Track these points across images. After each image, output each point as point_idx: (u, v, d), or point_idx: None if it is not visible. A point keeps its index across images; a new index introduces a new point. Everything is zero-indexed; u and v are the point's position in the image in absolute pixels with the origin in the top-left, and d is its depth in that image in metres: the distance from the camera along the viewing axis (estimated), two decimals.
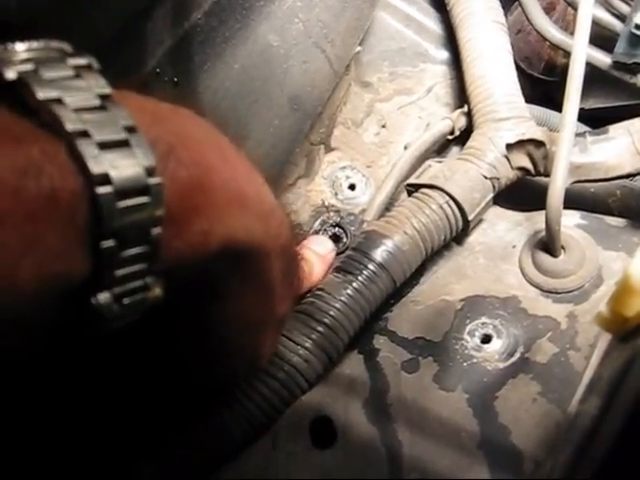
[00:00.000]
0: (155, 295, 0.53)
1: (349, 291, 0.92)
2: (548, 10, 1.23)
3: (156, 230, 0.50)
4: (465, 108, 1.15)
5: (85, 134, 0.45)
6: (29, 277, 0.43)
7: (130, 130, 0.48)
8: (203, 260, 0.56)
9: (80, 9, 0.76)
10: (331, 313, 0.90)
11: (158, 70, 0.89)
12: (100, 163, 0.45)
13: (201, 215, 0.54)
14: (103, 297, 0.49)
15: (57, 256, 0.44)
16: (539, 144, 1.01)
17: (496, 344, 0.88)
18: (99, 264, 0.47)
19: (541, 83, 1.35)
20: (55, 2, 0.73)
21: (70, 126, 0.45)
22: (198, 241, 0.54)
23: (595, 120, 1.14)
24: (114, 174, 0.46)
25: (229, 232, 0.57)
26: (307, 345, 0.89)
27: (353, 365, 0.93)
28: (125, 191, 0.47)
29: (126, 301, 0.51)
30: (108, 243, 0.47)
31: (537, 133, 1.02)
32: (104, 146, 0.46)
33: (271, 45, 1.00)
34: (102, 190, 0.45)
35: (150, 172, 0.48)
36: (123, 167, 0.47)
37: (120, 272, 0.49)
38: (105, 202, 0.46)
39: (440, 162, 1.05)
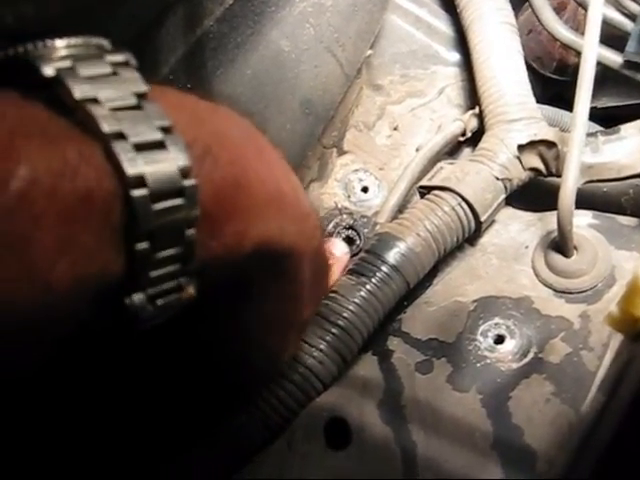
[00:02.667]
0: (189, 295, 0.53)
1: (363, 293, 0.92)
2: (559, 10, 1.23)
3: (190, 231, 0.50)
4: (476, 109, 1.16)
5: (121, 136, 0.46)
6: (64, 278, 0.43)
7: (166, 130, 0.49)
8: (237, 261, 0.56)
9: (94, 17, 0.78)
10: (345, 315, 0.91)
11: (171, 77, 0.90)
12: (135, 165, 0.46)
13: (237, 216, 0.55)
14: (137, 298, 0.49)
15: (92, 257, 0.45)
16: (551, 145, 1.02)
17: (509, 344, 0.89)
18: (133, 265, 0.48)
19: (553, 83, 1.35)
20: (69, 11, 0.74)
21: (106, 127, 0.45)
22: (233, 242, 0.55)
23: (608, 119, 1.14)
24: (149, 176, 0.46)
25: (264, 233, 0.58)
26: (321, 347, 0.90)
27: (367, 366, 0.94)
28: (160, 193, 0.47)
29: (160, 302, 0.51)
30: (143, 245, 0.47)
31: (548, 134, 1.02)
32: (140, 147, 0.47)
33: (282, 50, 1.01)
34: (137, 193, 0.46)
35: (185, 173, 0.49)
36: (158, 169, 0.47)
37: (154, 273, 0.50)
38: (140, 204, 0.46)
39: (452, 164, 1.05)
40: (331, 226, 1.13)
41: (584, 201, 1.01)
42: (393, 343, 0.96)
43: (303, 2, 1.02)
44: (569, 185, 0.92)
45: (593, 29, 0.99)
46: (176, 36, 0.90)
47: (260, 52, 0.98)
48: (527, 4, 1.24)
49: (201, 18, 0.92)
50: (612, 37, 1.13)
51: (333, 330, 0.91)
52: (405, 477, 0.81)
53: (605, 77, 1.16)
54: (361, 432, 0.86)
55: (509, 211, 1.07)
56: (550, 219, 1.01)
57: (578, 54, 1.20)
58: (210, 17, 0.92)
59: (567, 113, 1.18)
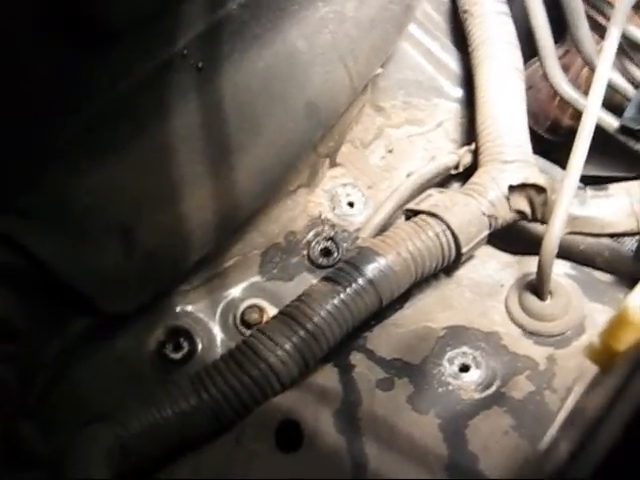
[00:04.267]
0: None
1: (335, 301, 0.92)
2: (563, 70, 1.26)
3: None
4: (472, 146, 1.17)
5: None
6: None
7: None
8: None
9: None
10: (314, 319, 0.90)
11: (185, 52, 0.90)
12: None
13: None
14: None
15: None
16: (541, 190, 1.03)
17: (474, 374, 0.89)
18: None
19: (542, 141, 1.38)
20: None
21: None
22: None
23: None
24: None
25: None
26: (286, 347, 0.89)
27: (327, 377, 0.93)
28: None
29: None
30: None
31: (540, 179, 1.04)
32: None
33: (298, 50, 1.01)
34: None
35: None
36: None
37: None
38: None
39: (442, 192, 1.06)
40: (311, 234, 1.12)
41: (560, 254, 1.02)
42: (356, 358, 0.95)
43: (326, 7, 1.03)
44: (555, 230, 0.93)
45: (598, 87, 1.00)
46: (198, 13, 0.90)
47: (276, 47, 0.99)
48: (534, 59, 1.27)
49: (225, 0, 0.92)
50: (610, 103, 1.15)
51: (300, 332, 0.90)
52: None
53: (593, 146, 1.19)
54: (313, 438, 0.85)
55: (489, 250, 1.08)
56: (528, 263, 1.02)
57: (574, 116, 1.23)
58: (234, 1, 0.93)
59: (556, 166, 1.20)
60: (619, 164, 1.23)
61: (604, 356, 0.62)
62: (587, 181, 1.21)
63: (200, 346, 1.03)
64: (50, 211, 0.87)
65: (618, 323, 0.59)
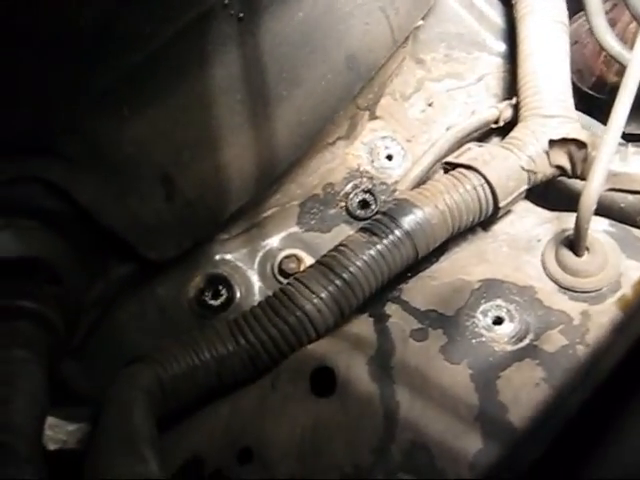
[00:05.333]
0: None
1: (372, 252, 0.93)
2: (609, 25, 1.23)
3: None
4: (513, 100, 1.16)
5: None
6: None
7: None
8: None
9: None
10: (350, 269, 0.91)
11: (226, 1, 0.90)
12: None
13: None
14: None
15: None
16: (581, 145, 1.02)
17: (507, 327, 0.89)
18: None
19: (587, 98, 1.35)
20: None
21: None
22: None
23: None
24: None
25: None
26: (322, 295, 0.90)
27: (362, 326, 0.94)
28: None
29: None
30: None
31: (581, 134, 1.03)
32: None
33: (337, 0, 1.00)
34: None
35: None
36: None
37: None
38: None
39: (481, 146, 1.05)
40: (350, 186, 1.13)
41: (600, 211, 1.01)
42: (391, 308, 0.96)
43: None
44: (594, 185, 0.92)
45: None
46: None
47: None
48: (580, 14, 1.24)
49: None
50: None
51: (337, 281, 0.91)
52: (384, 433, 0.81)
53: (636, 106, 1.16)
54: (346, 384, 0.87)
55: (527, 205, 1.07)
56: (566, 219, 1.02)
57: (619, 73, 1.21)
58: None
59: (600, 124, 1.18)
60: None
61: (636, 306, 0.62)
62: (630, 139, 1.20)
63: (238, 294, 1.05)
64: (93, 158, 0.89)
65: None
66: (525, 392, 0.81)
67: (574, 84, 1.33)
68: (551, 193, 1.11)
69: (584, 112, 1.27)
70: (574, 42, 1.35)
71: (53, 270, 0.86)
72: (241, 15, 0.92)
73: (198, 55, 0.91)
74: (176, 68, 0.90)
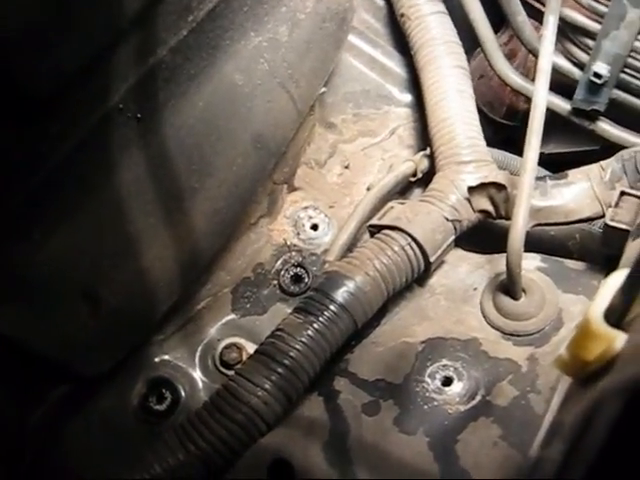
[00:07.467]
0: None
1: (310, 332, 0.91)
2: (509, 57, 1.25)
3: None
4: (427, 150, 1.17)
5: None
6: None
7: None
8: None
9: (46, 43, 0.76)
10: (291, 354, 0.89)
11: (121, 106, 0.88)
12: None
13: None
14: None
15: None
16: (500, 187, 1.03)
17: (457, 387, 0.88)
18: None
19: (503, 127, 1.37)
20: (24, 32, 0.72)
21: None
22: None
23: (555, 164, 1.16)
24: None
25: None
26: (267, 387, 0.88)
27: (313, 407, 0.92)
28: None
29: None
30: None
31: (498, 176, 1.03)
32: None
33: (236, 84, 1.00)
34: None
35: None
36: None
37: None
38: None
39: (402, 203, 1.05)
40: (279, 263, 1.11)
41: (532, 244, 1.01)
42: (340, 384, 0.95)
43: (258, 37, 1.01)
44: (519, 227, 0.93)
45: (543, 76, 1.00)
46: (128, 64, 0.88)
47: (213, 85, 0.97)
48: (479, 49, 1.26)
49: (155, 47, 0.90)
50: (561, 85, 1.15)
51: (279, 370, 0.89)
52: None
53: (553, 123, 1.18)
54: (305, 474, 0.84)
55: (458, 252, 1.07)
56: (499, 261, 1.02)
57: (528, 100, 1.22)
58: (164, 47, 0.91)
59: (515, 157, 1.19)
60: (580, 139, 1.23)
61: (575, 367, 0.61)
62: (553, 159, 1.22)
63: (183, 393, 1.02)
64: (9, 285, 0.85)
65: (582, 335, 0.58)
66: (484, 454, 0.80)
67: (487, 116, 1.35)
68: (480, 235, 1.11)
69: (500, 142, 1.29)
70: (480, 76, 1.37)
71: None
72: (139, 115, 0.90)
73: (101, 164, 0.89)
74: (80, 181, 0.87)
